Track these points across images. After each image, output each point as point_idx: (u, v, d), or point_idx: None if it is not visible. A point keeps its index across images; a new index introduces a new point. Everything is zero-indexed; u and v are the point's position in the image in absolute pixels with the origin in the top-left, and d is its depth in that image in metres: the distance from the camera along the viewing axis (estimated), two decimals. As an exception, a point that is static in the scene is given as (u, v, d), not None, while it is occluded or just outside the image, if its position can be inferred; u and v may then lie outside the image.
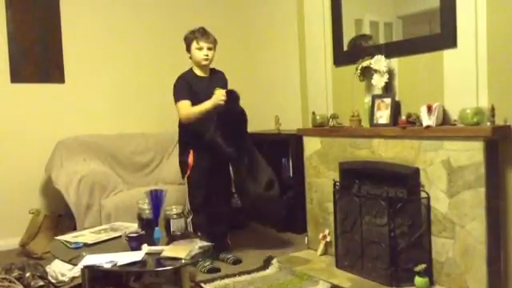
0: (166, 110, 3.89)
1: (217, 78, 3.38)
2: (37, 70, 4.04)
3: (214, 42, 3.33)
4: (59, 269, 2.94)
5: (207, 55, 3.28)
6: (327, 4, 3.49)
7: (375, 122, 3.03)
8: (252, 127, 4.32)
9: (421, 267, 2.60)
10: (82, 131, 4.08)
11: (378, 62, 3.00)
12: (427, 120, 2.65)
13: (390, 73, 3.01)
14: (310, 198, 3.58)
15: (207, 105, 3.14)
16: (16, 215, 3.82)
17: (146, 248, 2.26)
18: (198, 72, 3.34)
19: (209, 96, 3.19)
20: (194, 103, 3.21)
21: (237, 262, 3.36)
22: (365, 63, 3.08)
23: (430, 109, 2.65)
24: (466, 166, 2.51)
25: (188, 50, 3.33)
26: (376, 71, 3.02)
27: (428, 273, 2.65)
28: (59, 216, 3.82)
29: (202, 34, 3.30)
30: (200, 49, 3.27)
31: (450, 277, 2.64)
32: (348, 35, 3.40)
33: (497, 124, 2.46)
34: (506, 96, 2.47)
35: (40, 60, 4.05)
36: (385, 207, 2.82)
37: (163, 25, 4.62)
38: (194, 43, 3.29)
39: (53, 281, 2.93)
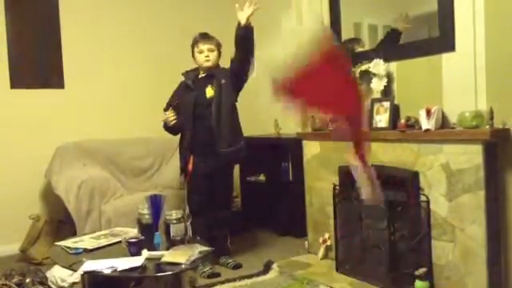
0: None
1: (218, 75, 3.35)
2: (36, 76, 4.05)
3: (217, 45, 3.35)
4: (59, 274, 2.93)
5: (208, 56, 3.29)
6: (326, 7, 3.49)
7: (374, 125, 3.03)
8: (252, 131, 4.34)
9: (421, 271, 2.60)
10: (81, 136, 4.08)
11: (377, 66, 3.01)
12: (426, 123, 2.65)
13: (389, 76, 3.01)
14: (310, 202, 3.58)
15: None
16: (16, 221, 3.81)
17: (145, 253, 2.25)
18: (202, 74, 3.37)
19: (199, 100, 3.29)
20: (183, 111, 3.31)
21: (237, 266, 3.35)
22: (363, 67, 3.08)
23: (428, 112, 2.65)
24: (466, 169, 2.51)
25: (193, 55, 3.36)
26: (375, 75, 3.03)
27: (428, 276, 2.65)
28: (59, 221, 3.82)
29: (201, 36, 3.34)
30: (201, 52, 3.30)
31: (450, 280, 2.64)
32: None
33: (496, 127, 2.47)
34: (505, 99, 2.48)
35: (40, 65, 4.06)
36: (385, 211, 2.82)
37: (163, 29, 4.63)
38: (195, 48, 3.33)
39: (53, 286, 2.93)
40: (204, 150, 3.28)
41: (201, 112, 3.29)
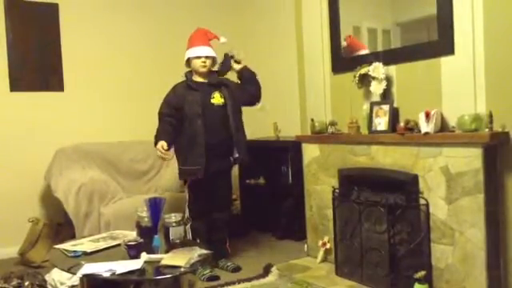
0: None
1: (219, 84, 3.38)
2: (36, 79, 4.06)
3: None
4: (58, 277, 2.93)
5: (204, 62, 3.30)
6: (325, 11, 3.50)
7: (374, 128, 3.04)
8: (251, 134, 4.33)
9: (420, 274, 2.59)
10: (81, 139, 4.08)
11: (376, 69, 3.01)
12: (425, 127, 2.65)
13: (388, 80, 3.02)
14: (310, 205, 3.57)
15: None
16: (15, 223, 3.81)
17: (144, 256, 2.25)
18: (198, 78, 3.36)
19: (204, 103, 3.25)
20: (188, 111, 3.25)
21: (236, 269, 3.35)
22: (363, 70, 3.08)
23: (428, 115, 2.65)
24: (465, 172, 2.51)
25: (187, 60, 3.37)
26: (374, 78, 3.03)
27: (428, 279, 2.64)
28: (58, 224, 3.82)
29: None
30: (198, 57, 3.30)
31: (449, 283, 2.63)
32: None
33: (495, 130, 2.47)
34: (504, 102, 2.48)
35: (39, 68, 4.06)
36: (384, 214, 2.82)
37: (162, 32, 4.64)
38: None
39: (52, 289, 2.93)
40: (214, 151, 3.28)
41: (209, 113, 3.28)
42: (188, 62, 3.36)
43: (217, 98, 3.32)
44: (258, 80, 3.48)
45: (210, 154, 3.24)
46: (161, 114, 3.34)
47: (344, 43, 3.39)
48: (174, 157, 3.38)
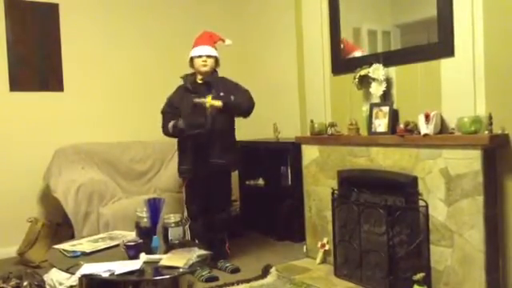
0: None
1: (217, 84, 3.36)
2: (36, 79, 4.05)
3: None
4: (57, 278, 2.92)
5: (205, 61, 3.30)
6: (325, 13, 3.50)
7: (373, 130, 3.04)
8: (250, 135, 4.34)
9: (419, 276, 2.59)
10: (80, 139, 4.08)
11: (376, 71, 3.01)
12: (425, 128, 2.66)
13: (388, 81, 3.02)
14: (309, 207, 3.57)
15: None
16: (14, 223, 3.81)
17: (143, 257, 2.25)
18: (199, 79, 3.36)
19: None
20: (185, 111, 3.26)
21: (235, 270, 3.35)
22: (363, 72, 3.08)
23: (427, 117, 2.65)
24: (464, 174, 2.51)
25: (190, 60, 3.37)
26: (374, 80, 3.03)
27: (427, 281, 2.64)
28: (57, 224, 3.81)
29: None
30: (199, 57, 3.31)
31: (448, 285, 2.63)
32: (346, 44, 3.43)
33: (494, 132, 2.47)
34: (504, 104, 2.48)
35: (39, 68, 4.06)
36: (383, 216, 2.82)
37: (161, 33, 4.64)
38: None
39: (50, 290, 2.92)
40: (209, 152, 3.28)
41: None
42: (192, 62, 3.37)
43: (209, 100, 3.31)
44: (246, 101, 3.34)
45: (205, 155, 3.25)
46: (163, 113, 3.40)
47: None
48: (174, 157, 3.38)
